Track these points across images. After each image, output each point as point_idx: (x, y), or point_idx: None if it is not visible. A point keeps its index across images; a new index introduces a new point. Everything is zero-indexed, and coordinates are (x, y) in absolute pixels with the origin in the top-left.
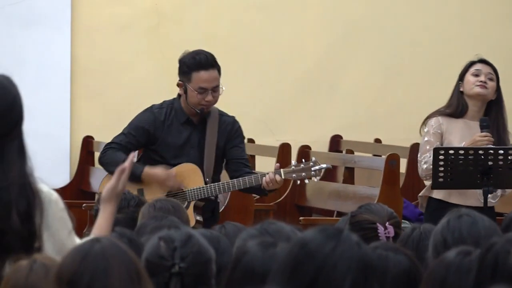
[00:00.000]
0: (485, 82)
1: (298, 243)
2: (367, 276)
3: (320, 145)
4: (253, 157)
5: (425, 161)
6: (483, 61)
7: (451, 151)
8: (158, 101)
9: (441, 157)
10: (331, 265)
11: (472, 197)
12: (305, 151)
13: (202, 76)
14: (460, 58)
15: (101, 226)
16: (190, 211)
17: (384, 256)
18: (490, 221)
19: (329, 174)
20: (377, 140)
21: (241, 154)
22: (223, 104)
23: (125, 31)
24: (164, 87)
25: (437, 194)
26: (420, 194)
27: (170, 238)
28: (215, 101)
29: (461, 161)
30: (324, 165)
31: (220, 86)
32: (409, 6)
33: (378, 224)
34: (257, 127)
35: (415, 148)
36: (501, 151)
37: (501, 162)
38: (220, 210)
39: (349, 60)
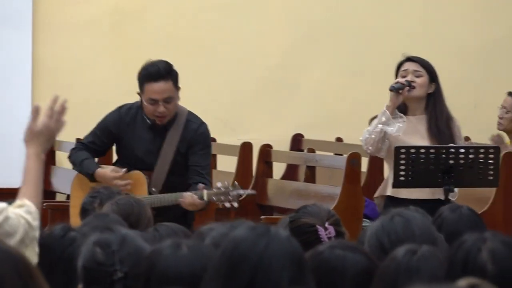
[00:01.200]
0: (412, 81)
1: (230, 244)
2: (302, 270)
3: (282, 144)
4: (214, 156)
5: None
6: (410, 59)
7: (412, 150)
8: (120, 100)
9: (402, 155)
10: (266, 263)
11: (418, 190)
12: (266, 150)
13: (152, 88)
14: (422, 57)
15: (28, 167)
16: None
17: (342, 256)
18: (423, 218)
19: (290, 173)
20: (339, 139)
21: (197, 161)
22: (184, 103)
23: (87, 30)
24: (126, 86)
25: (388, 192)
26: (375, 195)
27: (106, 243)
28: (169, 112)
29: (422, 160)
30: (242, 191)
31: (174, 97)
32: (370, 5)
33: (318, 227)
34: (218, 126)
35: None
36: (462, 150)
37: (462, 161)
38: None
39: (310, 59)
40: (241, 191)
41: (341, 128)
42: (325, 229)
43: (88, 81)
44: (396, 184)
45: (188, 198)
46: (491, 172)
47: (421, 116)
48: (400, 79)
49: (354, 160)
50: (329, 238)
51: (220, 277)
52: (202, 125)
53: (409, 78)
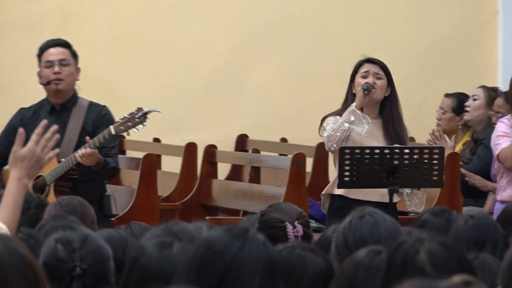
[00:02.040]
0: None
1: (204, 243)
2: (274, 276)
3: (227, 145)
4: (159, 156)
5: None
6: (370, 61)
7: (357, 150)
8: None
9: (347, 156)
10: (238, 265)
11: (372, 192)
12: (211, 151)
13: (48, 52)
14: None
15: (8, 191)
16: (51, 193)
17: (302, 257)
18: (392, 220)
19: (235, 174)
20: (283, 140)
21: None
22: (128, 104)
23: (32, 30)
24: None
25: (338, 191)
26: (322, 193)
27: (68, 240)
28: (65, 75)
29: (367, 160)
30: (147, 109)
31: (70, 62)
32: (316, 5)
33: (287, 223)
34: (163, 126)
35: (321, 147)
36: (407, 150)
37: (406, 161)
38: (127, 209)
39: (255, 60)
40: (146, 109)
41: (285, 128)
42: (294, 227)
43: (35, 81)
44: (341, 185)
45: (79, 152)
46: (436, 173)
47: (376, 120)
48: (369, 79)
49: (298, 160)
50: (296, 236)
51: (191, 274)
52: (105, 107)
53: (370, 80)
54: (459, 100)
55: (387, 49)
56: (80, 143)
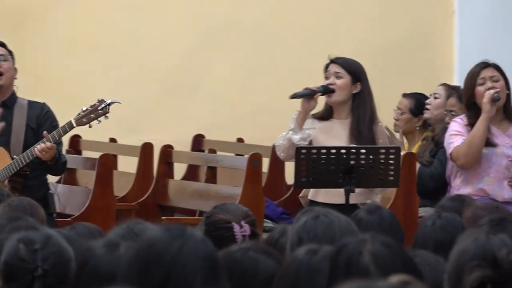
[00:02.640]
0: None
1: (144, 244)
2: (216, 272)
3: (183, 145)
4: (115, 156)
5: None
6: (333, 61)
7: (314, 150)
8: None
9: (303, 156)
10: (180, 265)
11: (337, 195)
12: (167, 151)
13: None
14: (325, 58)
15: None
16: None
17: (255, 259)
18: (347, 221)
19: (191, 174)
20: (240, 140)
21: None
22: (84, 104)
23: None
24: (26, 85)
25: (309, 194)
26: (300, 195)
27: (30, 240)
28: (5, 69)
29: (323, 160)
30: (109, 100)
31: (8, 58)
32: (271, 5)
33: (233, 223)
34: (119, 126)
35: None
36: (363, 151)
37: (363, 161)
38: (83, 209)
39: (212, 59)
40: (108, 100)
41: (242, 128)
42: (241, 226)
43: None
44: (297, 184)
45: (38, 147)
46: (392, 173)
47: (346, 120)
48: (311, 86)
49: (255, 160)
50: (244, 236)
51: (132, 276)
52: (45, 104)
53: (330, 80)
54: (417, 101)
55: (342, 48)
56: (26, 140)
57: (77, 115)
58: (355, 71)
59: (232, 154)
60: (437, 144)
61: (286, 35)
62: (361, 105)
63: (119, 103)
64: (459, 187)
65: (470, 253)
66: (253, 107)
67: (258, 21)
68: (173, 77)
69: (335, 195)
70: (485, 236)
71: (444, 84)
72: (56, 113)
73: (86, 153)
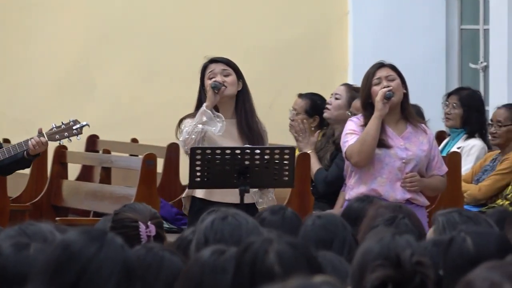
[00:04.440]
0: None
1: (60, 245)
2: (131, 279)
3: (77, 145)
4: None
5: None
6: (214, 61)
7: (208, 151)
8: None
9: (198, 156)
10: (95, 267)
11: (232, 194)
12: (61, 151)
13: None
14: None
15: None
16: None
17: (160, 256)
18: (254, 223)
19: (85, 174)
20: (134, 140)
21: None
22: None
23: None
24: None
25: (199, 193)
26: (183, 195)
27: None
28: None
29: (218, 161)
30: (84, 123)
31: None
32: (168, 5)
33: (140, 223)
34: (13, 126)
35: (171, 148)
36: (258, 151)
37: (257, 162)
38: None
39: (106, 60)
40: (84, 123)
41: (136, 128)
42: (147, 226)
43: None
44: (192, 185)
45: (36, 138)
46: (286, 173)
47: (232, 120)
48: (217, 78)
49: (149, 161)
50: (149, 236)
51: (45, 275)
52: None
53: (218, 78)
54: (312, 102)
55: (236, 49)
56: None
57: (49, 130)
58: (238, 69)
59: (127, 155)
60: (338, 147)
61: (181, 36)
62: (246, 100)
63: (88, 126)
64: (353, 186)
65: (374, 252)
66: (148, 107)
67: (154, 22)
68: (68, 77)
69: (229, 194)
70: (391, 237)
71: (346, 84)
72: None
73: None
